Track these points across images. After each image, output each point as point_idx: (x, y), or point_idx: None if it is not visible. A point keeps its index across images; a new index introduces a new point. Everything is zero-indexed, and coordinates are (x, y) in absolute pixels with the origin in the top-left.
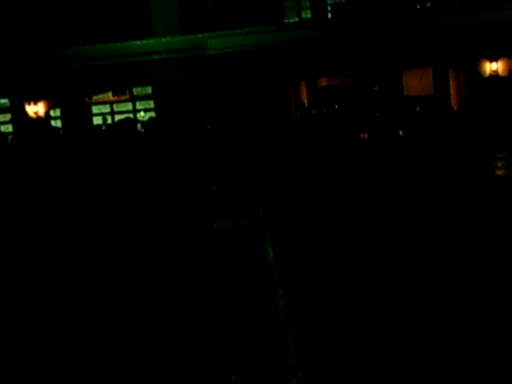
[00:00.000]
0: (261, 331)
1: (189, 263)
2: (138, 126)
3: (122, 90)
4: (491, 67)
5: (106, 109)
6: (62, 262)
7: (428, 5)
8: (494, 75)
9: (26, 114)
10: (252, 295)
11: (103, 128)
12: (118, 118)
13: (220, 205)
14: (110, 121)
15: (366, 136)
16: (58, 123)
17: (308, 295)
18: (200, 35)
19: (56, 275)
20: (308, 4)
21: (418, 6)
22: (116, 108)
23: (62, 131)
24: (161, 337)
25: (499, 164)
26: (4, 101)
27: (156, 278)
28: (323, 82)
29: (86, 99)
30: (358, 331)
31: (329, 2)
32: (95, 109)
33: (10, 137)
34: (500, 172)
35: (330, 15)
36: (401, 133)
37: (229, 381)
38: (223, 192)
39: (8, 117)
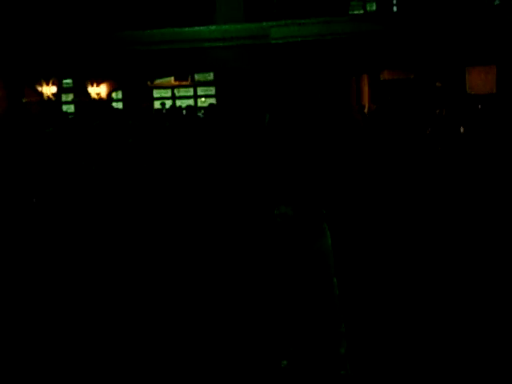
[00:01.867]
0: (313, 318)
1: (247, 246)
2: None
3: (184, 75)
4: None
5: (167, 93)
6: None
7: (496, 2)
8: None
9: (88, 94)
10: (307, 282)
11: (164, 112)
12: (178, 103)
13: (280, 193)
14: (168, 106)
15: (427, 132)
16: (119, 105)
17: (363, 287)
18: (264, 24)
19: (124, 261)
20: None
21: (485, 3)
22: (177, 93)
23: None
24: (216, 322)
25: None
26: (67, 81)
27: (217, 259)
28: (385, 76)
29: (148, 83)
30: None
31: None
32: (156, 93)
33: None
34: None
35: (395, 8)
36: (461, 130)
37: (279, 366)
38: (284, 180)
39: (70, 97)
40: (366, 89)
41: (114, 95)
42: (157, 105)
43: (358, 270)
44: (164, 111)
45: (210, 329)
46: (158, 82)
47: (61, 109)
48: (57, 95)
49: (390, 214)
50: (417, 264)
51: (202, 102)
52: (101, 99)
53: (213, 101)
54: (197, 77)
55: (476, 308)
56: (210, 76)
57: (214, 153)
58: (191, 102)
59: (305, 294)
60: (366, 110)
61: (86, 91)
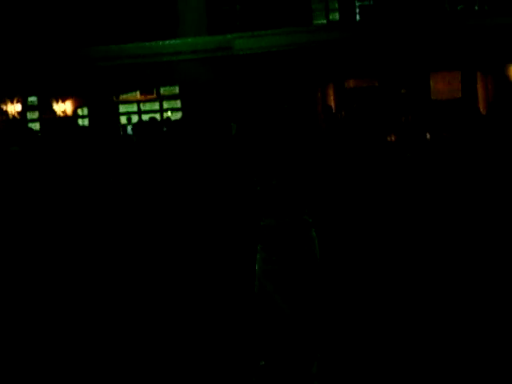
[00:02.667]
0: (296, 323)
1: (237, 257)
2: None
3: (150, 89)
4: None
5: (133, 108)
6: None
7: (459, 7)
8: None
9: (53, 112)
10: (292, 288)
11: (129, 127)
12: (145, 117)
13: (265, 204)
14: (134, 120)
15: (393, 139)
16: (85, 122)
17: (350, 294)
18: (228, 36)
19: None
20: (336, 6)
21: (448, 9)
22: (143, 107)
23: (89, 130)
24: (198, 323)
25: None
26: (32, 98)
27: (207, 271)
28: (350, 84)
29: (114, 98)
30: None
31: (357, 4)
32: (122, 108)
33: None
34: None
35: (358, 17)
36: (428, 136)
37: (258, 366)
38: (267, 191)
39: (36, 114)
40: (331, 97)
41: (79, 112)
42: (124, 120)
43: (346, 277)
44: (130, 125)
45: (191, 329)
46: (123, 96)
47: (27, 127)
48: (22, 113)
49: (371, 220)
50: (403, 271)
51: (168, 116)
52: (66, 116)
53: (179, 114)
54: (162, 90)
55: (457, 309)
56: (176, 89)
57: (186, 165)
58: (157, 115)
59: (289, 298)
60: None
61: (52, 108)
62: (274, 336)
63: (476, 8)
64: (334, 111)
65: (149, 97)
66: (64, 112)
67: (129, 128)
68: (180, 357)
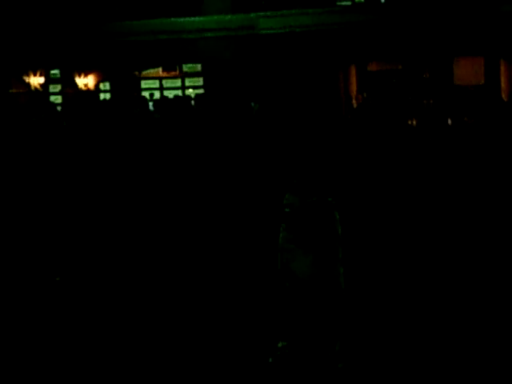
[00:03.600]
0: (316, 305)
1: (259, 235)
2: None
3: (172, 66)
4: None
5: (155, 84)
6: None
7: None
8: None
9: (75, 85)
10: (313, 268)
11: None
12: (166, 94)
13: (289, 182)
14: (156, 96)
15: (415, 123)
16: (107, 96)
17: (370, 276)
18: (252, 14)
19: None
20: None
21: None
22: (165, 84)
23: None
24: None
25: None
26: (55, 71)
27: (228, 248)
28: (373, 67)
29: (136, 74)
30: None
31: None
32: (144, 84)
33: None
34: None
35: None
36: (449, 121)
37: (275, 347)
38: (291, 170)
39: (58, 88)
40: (353, 80)
41: (101, 86)
42: (145, 96)
43: (366, 259)
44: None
45: (207, 310)
46: (145, 72)
47: (49, 99)
48: (44, 86)
49: (394, 203)
50: (423, 257)
51: (190, 94)
52: (88, 90)
53: (201, 92)
54: (185, 68)
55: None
56: (198, 67)
57: (212, 143)
58: (179, 92)
59: (310, 282)
60: (353, 102)
61: (74, 82)
62: (296, 315)
63: None
64: (353, 99)
65: (171, 73)
66: (86, 86)
67: (150, 104)
68: (194, 339)
